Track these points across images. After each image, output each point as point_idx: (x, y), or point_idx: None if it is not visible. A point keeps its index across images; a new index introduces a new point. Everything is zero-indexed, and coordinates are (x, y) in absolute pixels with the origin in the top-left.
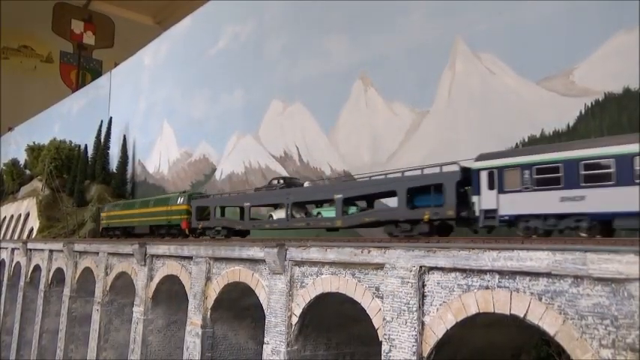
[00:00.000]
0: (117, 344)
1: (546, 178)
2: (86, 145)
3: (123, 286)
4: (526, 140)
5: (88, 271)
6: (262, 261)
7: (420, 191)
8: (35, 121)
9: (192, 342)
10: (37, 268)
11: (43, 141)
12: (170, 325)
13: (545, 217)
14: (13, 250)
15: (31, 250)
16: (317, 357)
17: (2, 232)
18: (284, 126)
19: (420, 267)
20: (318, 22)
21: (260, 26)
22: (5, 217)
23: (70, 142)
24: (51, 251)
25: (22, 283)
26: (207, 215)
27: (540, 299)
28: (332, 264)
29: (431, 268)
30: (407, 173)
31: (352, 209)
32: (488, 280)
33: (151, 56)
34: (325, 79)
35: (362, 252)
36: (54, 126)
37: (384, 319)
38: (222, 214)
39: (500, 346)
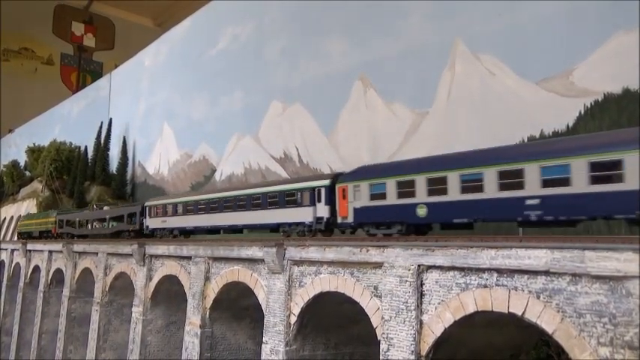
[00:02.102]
0: (116, 345)
1: (161, 211)
2: (86, 147)
3: (122, 286)
4: (525, 141)
5: (87, 271)
6: (261, 260)
7: (133, 215)
8: (36, 122)
9: (191, 342)
10: (36, 268)
11: (43, 142)
12: (169, 326)
13: (163, 229)
14: (12, 251)
15: (30, 250)
16: (316, 357)
17: (2, 233)
18: (284, 127)
19: (419, 266)
20: (318, 24)
21: (260, 28)
22: (5, 219)
23: (71, 143)
24: (50, 252)
25: (21, 284)
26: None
27: (538, 297)
28: (331, 263)
29: (429, 267)
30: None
31: (115, 223)
32: (487, 279)
33: (151, 58)
34: (325, 80)
35: (360, 251)
36: (54, 127)
37: (382, 318)
38: (80, 224)
39: (498, 346)
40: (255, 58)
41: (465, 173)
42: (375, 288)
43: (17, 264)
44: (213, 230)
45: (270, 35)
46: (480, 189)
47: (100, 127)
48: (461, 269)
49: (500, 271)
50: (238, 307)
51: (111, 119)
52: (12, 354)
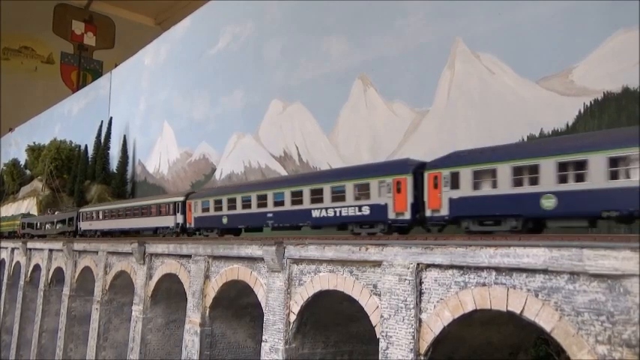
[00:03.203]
0: (116, 343)
1: (89, 216)
2: (86, 146)
3: (122, 285)
4: (525, 139)
5: (87, 270)
6: (261, 259)
7: (72, 219)
8: (36, 121)
9: (191, 340)
10: (36, 267)
11: (43, 141)
12: (169, 324)
13: (90, 230)
14: (12, 249)
15: (30, 249)
16: (315, 355)
17: None
18: (284, 126)
19: (418, 264)
20: (318, 23)
21: (260, 27)
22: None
23: (71, 142)
24: (50, 250)
25: (21, 283)
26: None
27: (537, 296)
28: (330, 262)
29: (428, 266)
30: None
31: (60, 225)
32: (485, 277)
33: (151, 57)
34: (325, 79)
35: (360, 250)
36: (54, 126)
37: (381, 316)
38: (37, 226)
39: (497, 344)
40: (256, 56)
41: (243, 196)
42: (374, 286)
43: (17, 262)
44: (124, 232)
45: (270, 34)
46: (249, 206)
47: (100, 126)
48: (460, 268)
49: (498, 270)
50: (238, 305)
51: (111, 118)
52: (12, 352)
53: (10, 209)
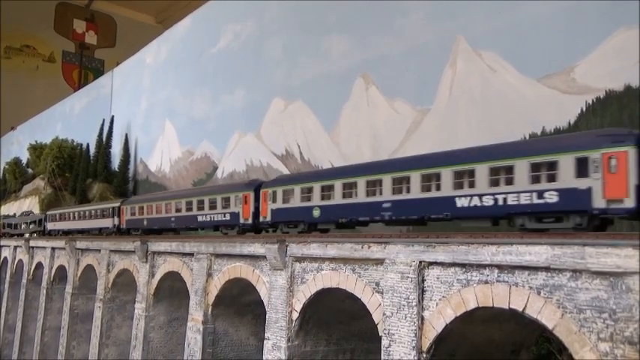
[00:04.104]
0: (119, 341)
1: (53, 218)
2: (88, 144)
3: (124, 283)
4: (527, 137)
5: (89, 268)
6: (263, 257)
7: (41, 220)
8: (37, 120)
9: (194, 338)
10: (39, 265)
11: (45, 140)
12: (172, 322)
13: (54, 229)
14: (15, 248)
15: (33, 247)
16: (317, 352)
17: None
18: (285, 124)
19: (420, 262)
20: (319, 22)
21: (260, 25)
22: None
23: (73, 140)
24: (53, 249)
25: (24, 281)
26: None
27: (539, 293)
28: (332, 260)
29: (430, 263)
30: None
31: (32, 225)
32: (488, 275)
33: (152, 55)
34: (326, 77)
35: (362, 247)
36: (56, 125)
37: (383, 314)
38: (14, 226)
39: (499, 342)
40: (257, 55)
41: (158, 204)
42: (377, 284)
43: (20, 261)
44: (79, 231)
45: (271, 33)
46: (161, 212)
47: (102, 125)
48: (462, 265)
49: (501, 267)
50: (240, 303)
51: (113, 117)
52: (15, 350)
53: (13, 208)
